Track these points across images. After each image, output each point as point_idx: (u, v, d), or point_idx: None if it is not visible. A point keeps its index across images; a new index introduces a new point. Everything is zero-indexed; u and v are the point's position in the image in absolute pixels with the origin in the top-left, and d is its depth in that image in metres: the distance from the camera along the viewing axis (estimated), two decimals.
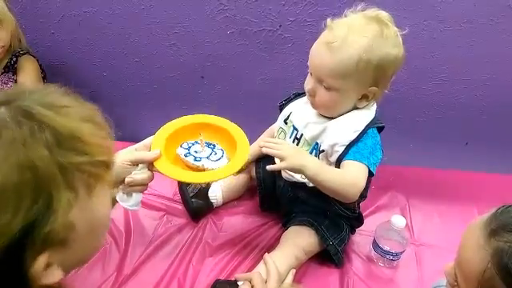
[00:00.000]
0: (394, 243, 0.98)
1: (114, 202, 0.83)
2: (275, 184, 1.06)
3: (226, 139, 0.91)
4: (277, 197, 1.06)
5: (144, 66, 1.40)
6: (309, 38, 1.20)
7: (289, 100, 1.00)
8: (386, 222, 0.99)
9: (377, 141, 0.86)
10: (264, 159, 1.07)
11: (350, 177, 0.82)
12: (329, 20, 0.84)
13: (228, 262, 0.99)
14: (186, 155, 0.87)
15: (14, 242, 0.41)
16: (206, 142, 0.90)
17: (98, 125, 0.50)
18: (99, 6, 1.28)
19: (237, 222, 1.09)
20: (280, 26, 1.25)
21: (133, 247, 1.01)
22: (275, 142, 0.83)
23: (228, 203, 1.13)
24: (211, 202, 1.09)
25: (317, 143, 0.88)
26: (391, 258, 0.99)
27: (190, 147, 0.89)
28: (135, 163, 0.81)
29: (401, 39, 0.82)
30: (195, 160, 0.85)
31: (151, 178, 0.83)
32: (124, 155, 0.81)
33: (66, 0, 1.29)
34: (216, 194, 1.09)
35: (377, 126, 0.86)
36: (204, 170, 0.84)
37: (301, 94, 0.99)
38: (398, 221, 0.95)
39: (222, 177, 0.83)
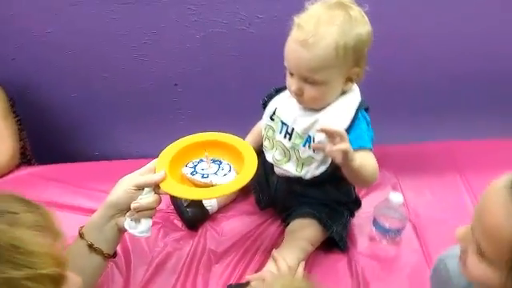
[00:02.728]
0: (393, 220, 1.00)
1: (122, 231, 0.80)
2: (269, 181, 1.05)
3: (231, 154, 0.90)
4: (272, 194, 1.05)
5: (115, 80, 1.35)
6: (276, 33, 1.23)
7: (271, 96, 1.00)
8: (383, 201, 1.01)
9: (368, 121, 0.87)
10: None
11: (370, 163, 0.83)
12: (295, 18, 0.84)
13: (235, 266, 0.98)
14: (192, 174, 0.85)
15: None
16: (212, 159, 0.89)
17: (50, 232, 0.45)
18: (62, 25, 1.23)
19: (236, 224, 1.07)
20: (249, 24, 1.25)
21: (135, 267, 0.98)
22: (336, 131, 0.76)
23: (223, 208, 1.11)
24: (207, 210, 1.07)
25: (309, 136, 0.88)
26: (393, 235, 1.01)
27: (195, 166, 0.88)
28: (140, 188, 0.79)
29: (366, 17, 0.84)
30: (203, 177, 0.84)
31: (159, 202, 0.80)
32: (128, 181, 0.79)
33: (26, 23, 1.23)
34: (211, 201, 1.08)
35: (364, 107, 0.88)
36: (213, 185, 0.82)
37: (281, 89, 0.99)
38: (396, 197, 0.97)
39: (234, 189, 0.82)
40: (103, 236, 0.78)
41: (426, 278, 0.85)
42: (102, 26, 1.23)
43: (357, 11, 0.82)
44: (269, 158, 0.96)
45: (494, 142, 1.29)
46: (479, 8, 1.21)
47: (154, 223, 1.07)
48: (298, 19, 0.82)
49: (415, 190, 1.16)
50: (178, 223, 1.08)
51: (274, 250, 0.94)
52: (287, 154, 0.92)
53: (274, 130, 0.95)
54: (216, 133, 0.94)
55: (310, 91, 0.84)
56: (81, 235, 0.78)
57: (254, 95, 1.27)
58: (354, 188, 1.01)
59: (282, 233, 1.02)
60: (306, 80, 0.83)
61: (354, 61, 0.83)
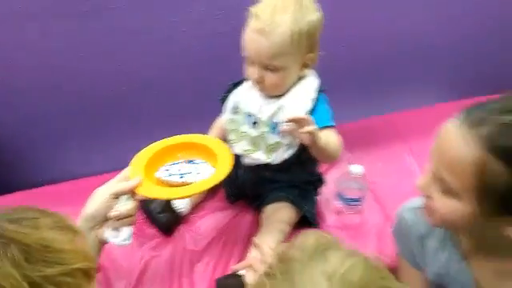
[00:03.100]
0: (354, 190, 1.09)
1: (102, 243, 0.78)
2: (236, 174, 1.08)
3: (203, 153, 0.92)
4: (240, 186, 1.08)
5: (59, 98, 1.28)
6: (207, 33, 1.26)
7: (229, 91, 1.03)
8: (343, 175, 1.10)
9: (327, 101, 0.94)
10: None
11: (334, 139, 0.90)
12: (251, 8, 0.88)
13: (218, 260, 1.00)
14: (168, 175, 0.86)
15: None
16: (186, 160, 0.90)
17: (70, 231, 0.48)
18: None
19: (210, 221, 1.09)
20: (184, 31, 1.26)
21: (115, 283, 0.96)
22: (302, 117, 0.80)
23: (195, 208, 1.12)
24: (179, 212, 1.08)
25: (275, 122, 0.93)
26: (356, 203, 1.10)
27: (170, 168, 0.88)
28: (118, 196, 0.78)
29: (315, 4, 0.90)
30: (180, 177, 0.85)
31: (138, 208, 0.80)
32: (104, 191, 0.78)
33: None
34: (183, 203, 1.08)
35: (322, 89, 0.95)
36: (191, 183, 0.84)
37: (238, 83, 1.02)
38: (356, 169, 1.06)
39: (215, 182, 0.83)
40: None
41: (390, 237, 0.93)
42: (43, 41, 1.16)
43: (309, 1, 0.88)
44: (237, 150, 0.99)
45: (428, 109, 1.44)
46: None
47: None
48: (255, 9, 0.87)
49: (368, 162, 1.26)
50: (152, 231, 1.07)
51: (253, 237, 0.97)
52: (255, 143, 0.96)
53: (237, 123, 0.98)
54: (184, 135, 0.95)
55: (270, 78, 0.89)
56: None
57: (205, 95, 1.29)
58: (318, 166, 1.08)
59: (257, 221, 1.06)
60: (266, 67, 0.88)
61: (308, 46, 0.89)
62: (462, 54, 1.55)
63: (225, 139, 1.05)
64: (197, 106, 1.39)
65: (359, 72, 1.46)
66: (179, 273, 0.98)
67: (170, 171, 0.88)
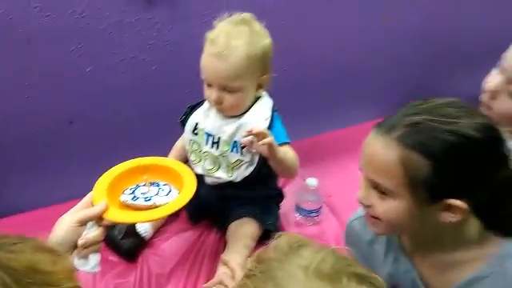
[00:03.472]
0: (312, 203, 1.15)
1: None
2: (199, 193, 1.10)
3: (165, 175, 0.92)
4: (203, 204, 1.10)
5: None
6: (171, 56, 1.29)
7: (187, 114, 1.06)
8: (300, 188, 1.16)
9: (281, 119, 1.01)
10: None
11: (291, 154, 0.96)
12: (208, 34, 0.94)
13: (186, 281, 1.00)
14: (133, 199, 0.85)
15: None
16: (149, 182, 0.90)
17: (53, 253, 0.48)
18: None
19: (175, 243, 1.09)
20: (140, 51, 1.28)
21: None
22: (260, 131, 0.87)
23: (157, 232, 1.12)
24: (142, 237, 1.07)
25: (235, 141, 0.97)
26: (314, 215, 1.16)
27: (134, 191, 0.88)
28: (83, 223, 0.77)
29: (265, 30, 0.97)
30: (146, 200, 0.85)
31: (104, 234, 0.79)
32: (69, 218, 0.77)
33: None
34: (144, 226, 1.07)
35: (275, 109, 1.01)
36: (156, 206, 0.84)
37: (196, 106, 1.06)
38: (311, 182, 1.13)
39: (182, 205, 0.85)
40: None
41: None
42: None
43: (257, 26, 0.95)
44: (198, 170, 1.02)
45: (369, 124, 1.55)
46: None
47: None
48: (211, 35, 0.92)
49: (321, 176, 1.33)
50: (114, 258, 1.04)
51: (221, 254, 0.99)
52: (217, 162, 0.99)
53: (198, 144, 1.01)
54: (146, 158, 0.96)
55: (228, 99, 0.94)
56: None
57: (157, 121, 1.31)
58: (277, 182, 1.14)
59: (221, 239, 1.08)
60: (224, 89, 0.93)
61: (261, 69, 0.95)
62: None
63: (186, 160, 1.07)
64: (146, 132, 1.39)
65: (304, 93, 1.56)
66: None
67: (134, 194, 0.87)
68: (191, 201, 1.06)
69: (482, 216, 0.68)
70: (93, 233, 0.77)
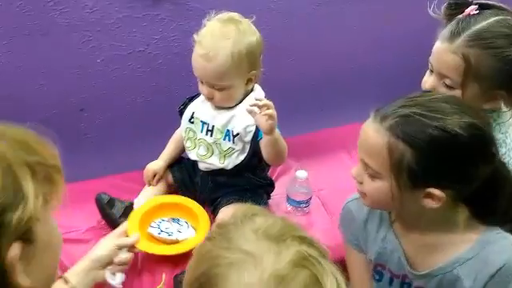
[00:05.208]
0: (302, 194, 1.20)
1: (96, 282, 0.91)
2: (193, 181, 1.17)
3: (184, 212, 1.13)
4: (198, 191, 1.17)
5: (16, 115, 1.32)
6: (177, 51, 1.36)
7: (185, 104, 1.13)
8: (291, 181, 1.21)
9: None
10: (176, 165, 1.19)
11: (283, 140, 1.01)
12: (195, 36, 0.99)
13: (178, 262, 1.06)
14: (159, 234, 1.06)
15: None
16: (171, 218, 1.10)
17: (39, 136, 0.54)
18: None
19: None
20: (147, 45, 1.35)
21: None
22: (266, 103, 0.93)
23: None
24: None
25: (228, 130, 1.04)
26: (304, 206, 1.21)
27: (159, 225, 1.08)
28: (120, 248, 0.94)
29: (253, 26, 1.01)
30: (169, 236, 1.06)
31: (132, 258, 0.97)
32: (110, 241, 0.95)
33: None
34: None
35: None
36: (178, 241, 1.05)
37: (194, 97, 1.13)
38: (301, 174, 1.18)
39: (199, 242, 0.96)
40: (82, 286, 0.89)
41: (335, 234, 1.04)
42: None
43: (245, 24, 0.99)
44: (192, 156, 1.09)
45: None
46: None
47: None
48: (198, 37, 0.98)
49: (314, 170, 1.38)
50: None
51: None
52: (210, 148, 1.06)
53: (194, 131, 1.08)
54: (168, 195, 1.17)
55: (219, 95, 1.01)
56: (65, 279, 0.86)
57: (162, 110, 1.38)
58: (268, 172, 1.19)
59: (212, 222, 1.14)
60: (213, 86, 0.99)
61: (249, 64, 1.00)
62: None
63: (183, 149, 1.14)
64: (153, 121, 1.47)
65: (302, 91, 1.61)
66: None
67: (159, 228, 1.07)
68: (183, 187, 1.16)
69: (472, 205, 0.74)
70: (124, 255, 0.95)
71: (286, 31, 1.46)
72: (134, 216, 1.08)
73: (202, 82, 1.01)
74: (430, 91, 0.87)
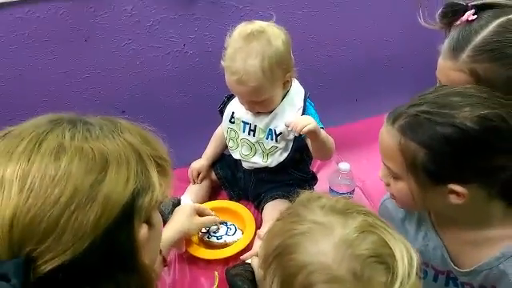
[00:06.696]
0: (344, 186, 1.21)
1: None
2: (236, 177, 1.20)
3: (230, 215, 1.16)
4: (241, 187, 1.20)
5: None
6: (211, 49, 1.38)
7: (224, 103, 1.15)
8: (334, 173, 1.22)
9: (314, 106, 1.07)
10: (218, 162, 1.22)
11: (330, 138, 1.03)
12: (222, 62, 0.98)
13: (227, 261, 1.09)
14: (208, 237, 1.10)
15: (128, 207, 0.48)
16: (220, 222, 1.12)
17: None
18: None
19: None
20: (184, 44, 1.38)
21: None
22: (301, 119, 0.98)
23: None
24: None
25: (270, 129, 1.05)
26: (347, 196, 1.21)
27: (208, 229, 1.11)
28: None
29: (276, 28, 0.98)
30: (218, 239, 1.10)
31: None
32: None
33: None
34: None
35: (308, 96, 1.07)
36: (227, 244, 1.08)
37: (232, 95, 1.14)
38: (344, 166, 1.18)
39: (246, 244, 1.06)
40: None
41: None
42: (39, 65, 1.26)
43: (268, 31, 0.96)
44: (236, 155, 1.11)
45: None
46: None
47: None
48: (226, 61, 0.97)
49: (354, 161, 1.38)
50: None
51: (258, 230, 1.08)
52: (253, 148, 1.08)
53: (236, 131, 1.10)
54: (214, 201, 1.20)
55: (260, 107, 1.02)
56: None
57: (201, 109, 1.40)
58: (310, 165, 1.20)
59: (258, 217, 1.17)
60: (253, 101, 1.00)
61: (282, 71, 0.98)
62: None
63: (225, 146, 1.17)
64: (193, 120, 1.50)
65: (341, 80, 1.60)
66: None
67: (208, 232, 1.11)
68: (227, 182, 1.19)
69: (507, 197, 0.71)
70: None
71: (319, 21, 1.45)
72: None
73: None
74: (444, 85, 0.80)
